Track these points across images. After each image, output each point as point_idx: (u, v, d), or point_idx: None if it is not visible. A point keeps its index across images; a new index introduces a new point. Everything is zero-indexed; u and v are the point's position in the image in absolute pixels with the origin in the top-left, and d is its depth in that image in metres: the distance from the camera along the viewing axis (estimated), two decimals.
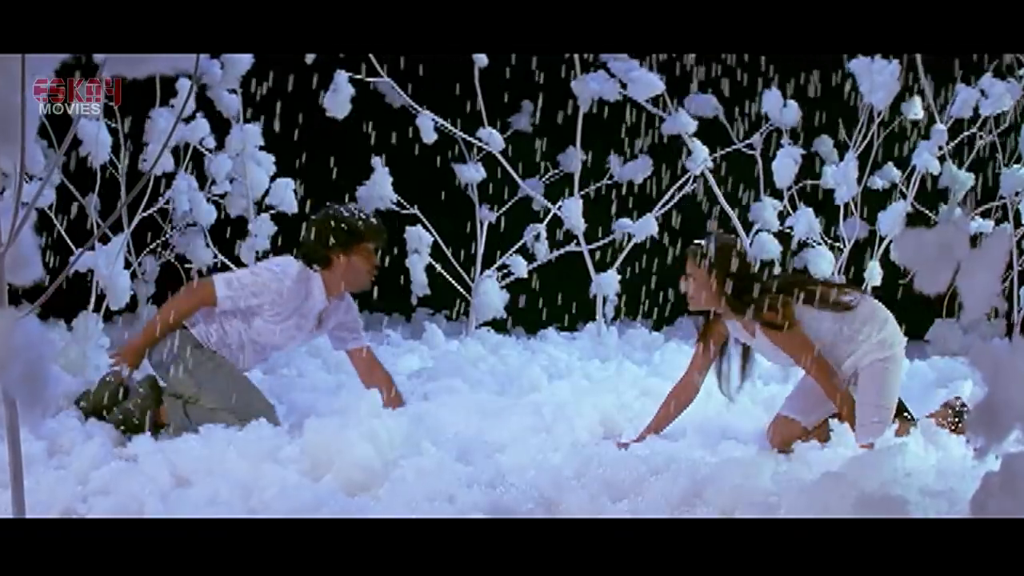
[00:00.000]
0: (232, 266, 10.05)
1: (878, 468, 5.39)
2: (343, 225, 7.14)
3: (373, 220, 7.32)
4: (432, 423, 6.39)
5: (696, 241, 7.14)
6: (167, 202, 9.72)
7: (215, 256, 10.23)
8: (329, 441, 5.78)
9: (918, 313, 10.90)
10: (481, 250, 10.79)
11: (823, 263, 10.36)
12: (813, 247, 10.52)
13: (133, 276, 10.21)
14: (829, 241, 10.63)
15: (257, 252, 9.97)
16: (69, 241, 9.13)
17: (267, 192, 10.05)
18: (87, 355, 8.45)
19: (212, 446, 6.10)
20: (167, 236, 10.32)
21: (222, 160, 9.71)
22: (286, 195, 9.96)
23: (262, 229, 10.03)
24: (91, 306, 8.96)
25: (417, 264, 10.34)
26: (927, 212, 10.87)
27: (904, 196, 10.65)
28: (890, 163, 10.81)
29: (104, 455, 6.04)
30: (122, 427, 6.93)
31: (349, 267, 7.18)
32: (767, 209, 10.70)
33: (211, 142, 9.76)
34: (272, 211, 10.11)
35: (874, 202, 10.86)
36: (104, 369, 8.42)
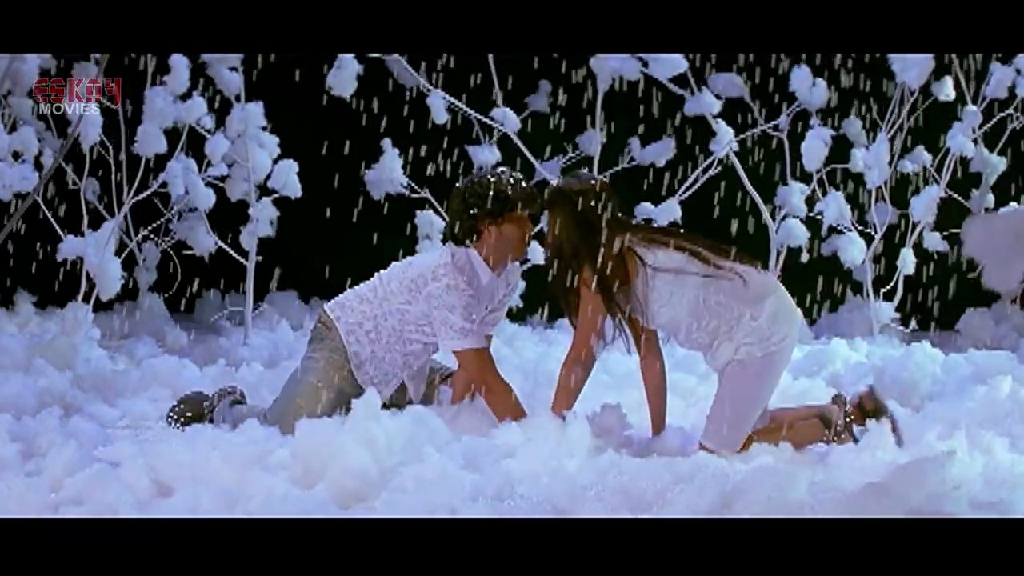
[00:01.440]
0: (232, 252, 9.56)
1: (923, 478, 4.86)
2: (489, 192, 6.47)
3: (522, 183, 6.61)
4: (436, 425, 5.83)
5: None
6: (162, 186, 9.22)
7: (216, 243, 9.74)
8: (322, 445, 5.23)
9: (951, 303, 10.76)
10: None
11: (854, 250, 9.88)
12: (844, 233, 10.03)
13: (134, 263, 9.80)
14: (860, 227, 10.13)
15: (260, 238, 9.47)
16: (57, 227, 8.63)
17: (270, 175, 9.56)
18: (76, 347, 7.95)
19: (196, 450, 5.56)
20: (169, 221, 9.87)
21: (218, 141, 9.22)
22: (289, 178, 9.45)
23: (264, 214, 9.52)
24: (81, 295, 8.45)
25: (429, 250, 9.72)
26: (959, 198, 10.40)
27: (937, 181, 10.15)
28: (921, 146, 10.32)
29: (81, 459, 5.51)
30: (178, 417, 6.69)
31: (500, 237, 6.51)
32: (794, 194, 10.30)
33: (208, 122, 9.27)
34: (275, 195, 9.60)
35: (905, 187, 10.45)
36: (94, 362, 7.99)
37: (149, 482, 5.29)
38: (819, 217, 10.18)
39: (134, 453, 5.65)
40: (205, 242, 9.75)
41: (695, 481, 5.09)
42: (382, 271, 6.68)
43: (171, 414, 6.78)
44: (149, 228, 9.81)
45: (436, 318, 6.38)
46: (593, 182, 6.33)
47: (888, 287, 10.12)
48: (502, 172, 6.62)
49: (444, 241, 6.58)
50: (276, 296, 10.87)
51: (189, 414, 6.74)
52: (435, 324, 6.40)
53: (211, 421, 6.68)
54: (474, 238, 6.51)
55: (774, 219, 10.36)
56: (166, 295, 10.28)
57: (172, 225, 9.98)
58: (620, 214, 6.31)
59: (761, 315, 6.11)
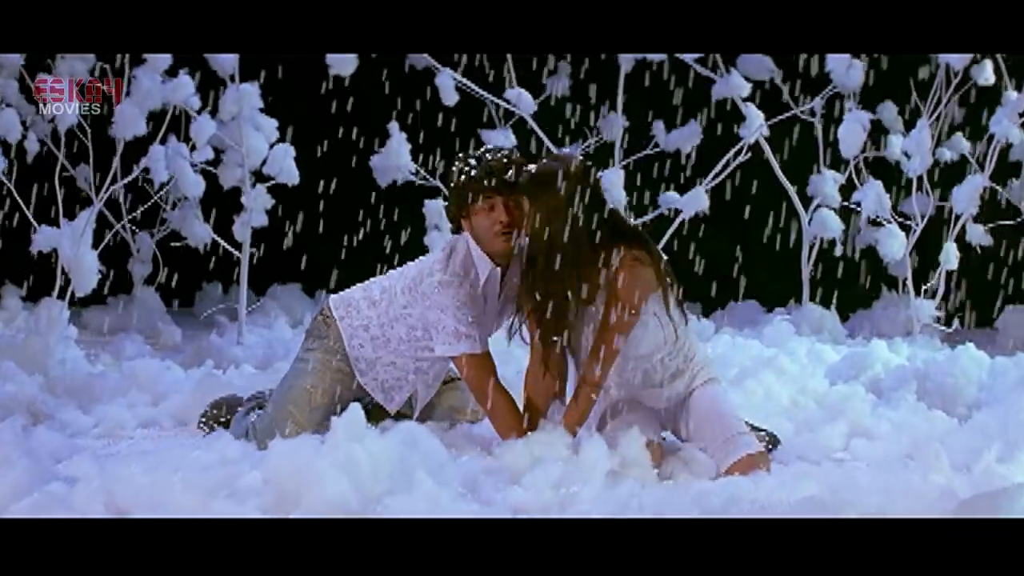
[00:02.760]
0: (226, 244, 8.86)
1: (994, 513, 4.15)
2: (451, 183, 5.60)
3: (482, 163, 5.50)
4: (430, 446, 5.02)
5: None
6: (146, 171, 8.51)
7: (210, 234, 9.05)
8: (297, 470, 4.49)
9: (989, 299, 10.21)
10: None
11: (894, 244, 9.17)
12: (883, 225, 9.30)
13: (128, 255, 9.37)
14: (899, 219, 9.43)
15: (254, 229, 8.76)
16: (31, 217, 7.93)
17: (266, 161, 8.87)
18: (50, 348, 7.25)
19: (158, 472, 4.82)
20: (162, 210, 9.20)
21: (203, 122, 8.47)
22: (285, 164, 8.69)
23: (257, 203, 8.77)
24: (56, 291, 7.73)
25: (438, 242, 9.09)
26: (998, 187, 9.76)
27: (980, 168, 9.41)
28: (959, 133, 9.66)
29: (30, 482, 4.78)
30: (208, 422, 6.12)
31: (475, 229, 5.57)
32: (827, 182, 9.74)
33: (196, 102, 8.54)
34: (270, 183, 8.90)
35: (942, 175, 9.74)
36: (70, 363, 7.34)
37: (103, 509, 4.59)
38: (856, 208, 9.56)
39: (92, 473, 4.95)
40: (199, 233, 9.07)
41: (730, 516, 4.36)
42: (393, 270, 5.89)
43: (202, 419, 6.18)
44: (130, 217, 9.10)
45: (429, 320, 5.59)
46: (580, 163, 5.32)
47: (930, 284, 9.39)
48: (476, 153, 5.63)
49: (453, 232, 5.77)
50: (279, 289, 10.22)
51: (223, 420, 6.12)
52: (429, 326, 5.62)
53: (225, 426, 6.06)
54: (459, 228, 5.69)
55: (806, 209, 9.80)
56: (157, 287, 9.62)
57: (166, 214, 9.29)
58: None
59: (701, 349, 5.55)
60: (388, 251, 9.44)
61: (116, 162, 8.08)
